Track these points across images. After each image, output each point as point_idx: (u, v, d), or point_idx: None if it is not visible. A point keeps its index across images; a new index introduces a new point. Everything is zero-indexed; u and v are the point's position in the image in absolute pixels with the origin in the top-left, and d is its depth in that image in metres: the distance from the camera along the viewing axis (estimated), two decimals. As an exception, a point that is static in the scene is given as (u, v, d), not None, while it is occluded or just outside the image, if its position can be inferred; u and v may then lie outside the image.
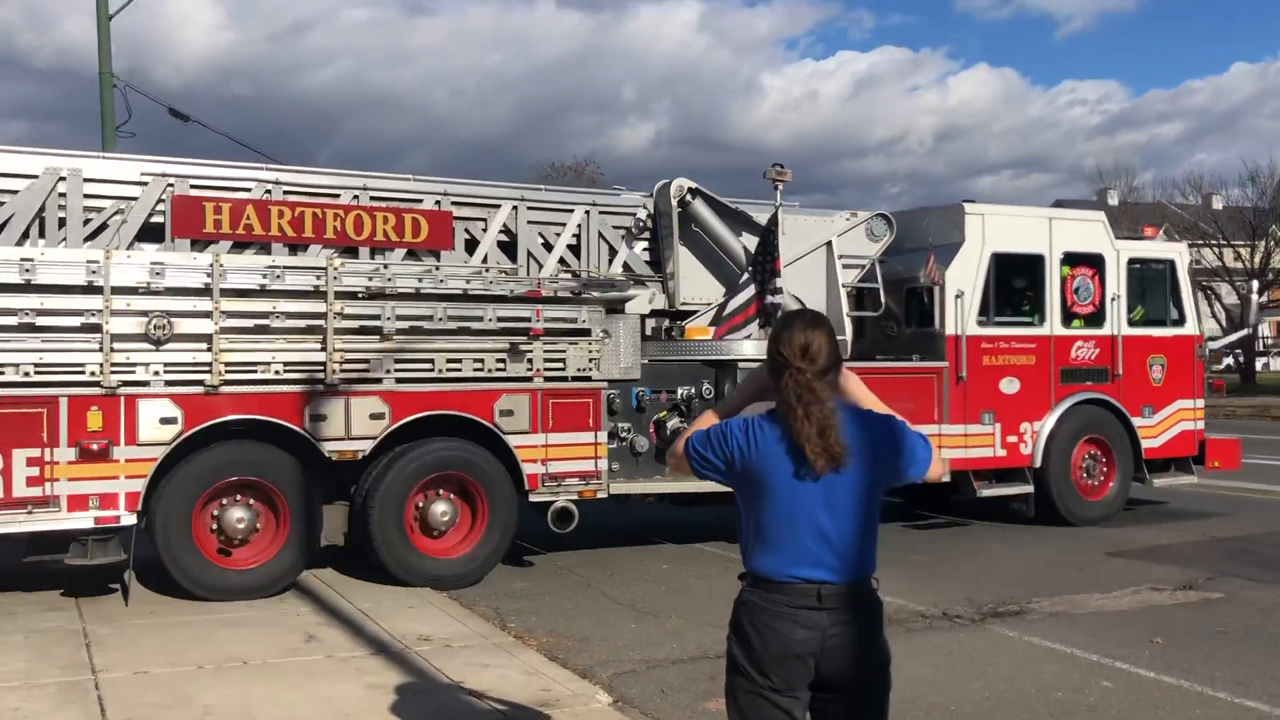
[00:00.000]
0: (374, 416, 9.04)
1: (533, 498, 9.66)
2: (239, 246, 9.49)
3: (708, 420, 3.46)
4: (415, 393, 9.19)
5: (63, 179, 9.08)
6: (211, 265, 8.55)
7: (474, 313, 9.38)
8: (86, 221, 9.21)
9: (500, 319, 9.46)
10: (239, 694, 6.38)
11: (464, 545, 9.51)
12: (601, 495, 9.97)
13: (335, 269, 8.96)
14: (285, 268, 8.90)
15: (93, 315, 8.21)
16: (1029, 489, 11.97)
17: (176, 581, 8.65)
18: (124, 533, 8.42)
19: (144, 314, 8.32)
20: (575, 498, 9.73)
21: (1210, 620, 8.14)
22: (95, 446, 8.17)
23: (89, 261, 8.26)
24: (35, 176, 8.97)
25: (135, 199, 9.33)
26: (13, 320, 8.02)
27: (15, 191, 8.95)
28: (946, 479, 11.16)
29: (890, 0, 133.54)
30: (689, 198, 10.97)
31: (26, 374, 8.03)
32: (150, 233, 9.41)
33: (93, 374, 8.18)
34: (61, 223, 9.14)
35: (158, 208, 9.41)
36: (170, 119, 28.00)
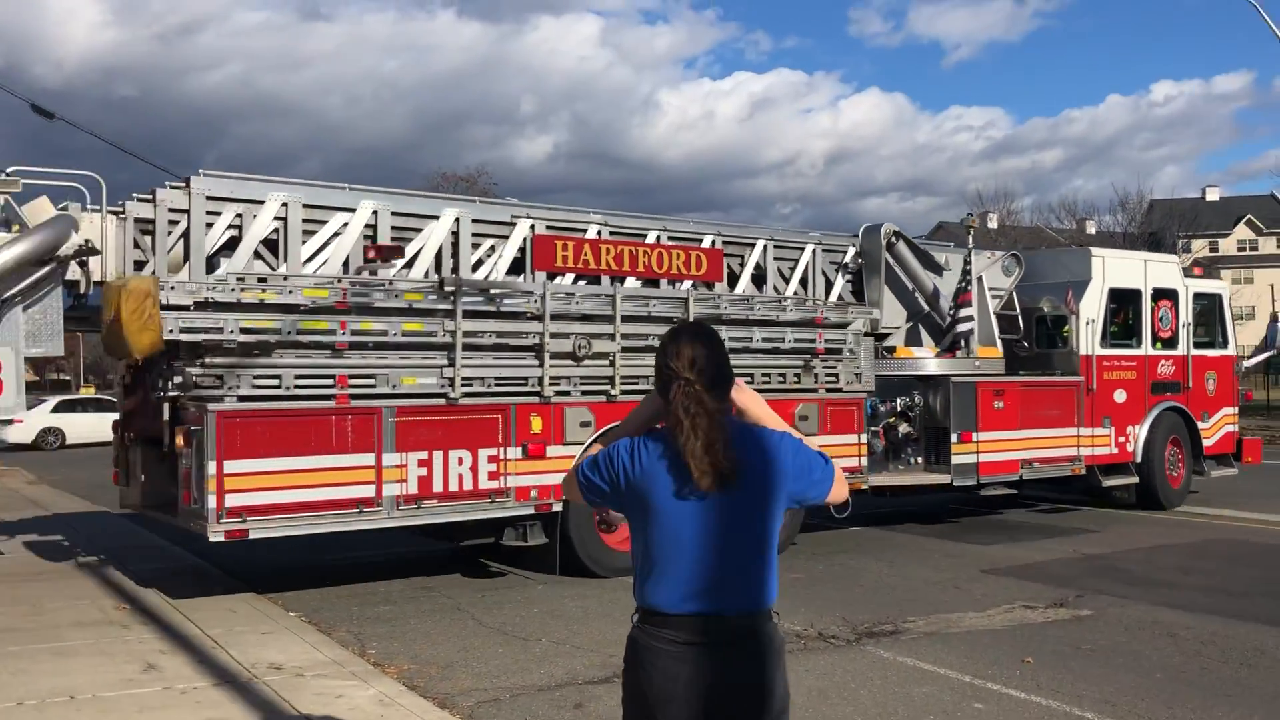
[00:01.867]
0: None
1: None
2: (579, 278, 10.93)
3: (609, 440, 3.22)
4: None
5: (456, 219, 10.45)
6: (613, 296, 10.36)
7: (779, 335, 11.38)
8: (473, 254, 10.54)
9: (796, 340, 11.45)
10: (59, 733, 5.84)
11: None
12: (864, 487, 11.91)
13: (691, 300, 10.85)
14: (656, 298, 10.86)
15: (535, 337, 9.95)
16: (1135, 480, 14.47)
17: (582, 562, 10.16)
18: (547, 519, 10.03)
19: (568, 336, 10.08)
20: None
21: (1079, 638, 8.17)
22: (536, 446, 9.81)
23: (525, 291, 10.05)
24: (437, 218, 10.33)
25: (506, 237, 10.70)
26: (485, 341, 9.77)
27: (419, 229, 10.28)
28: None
29: (787, 23, 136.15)
30: (894, 240, 12.98)
31: (489, 386, 9.75)
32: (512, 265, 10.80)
33: (533, 386, 9.90)
34: (436, 254, 10.37)
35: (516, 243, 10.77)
36: (38, 119, 26.68)
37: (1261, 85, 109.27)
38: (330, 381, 9.02)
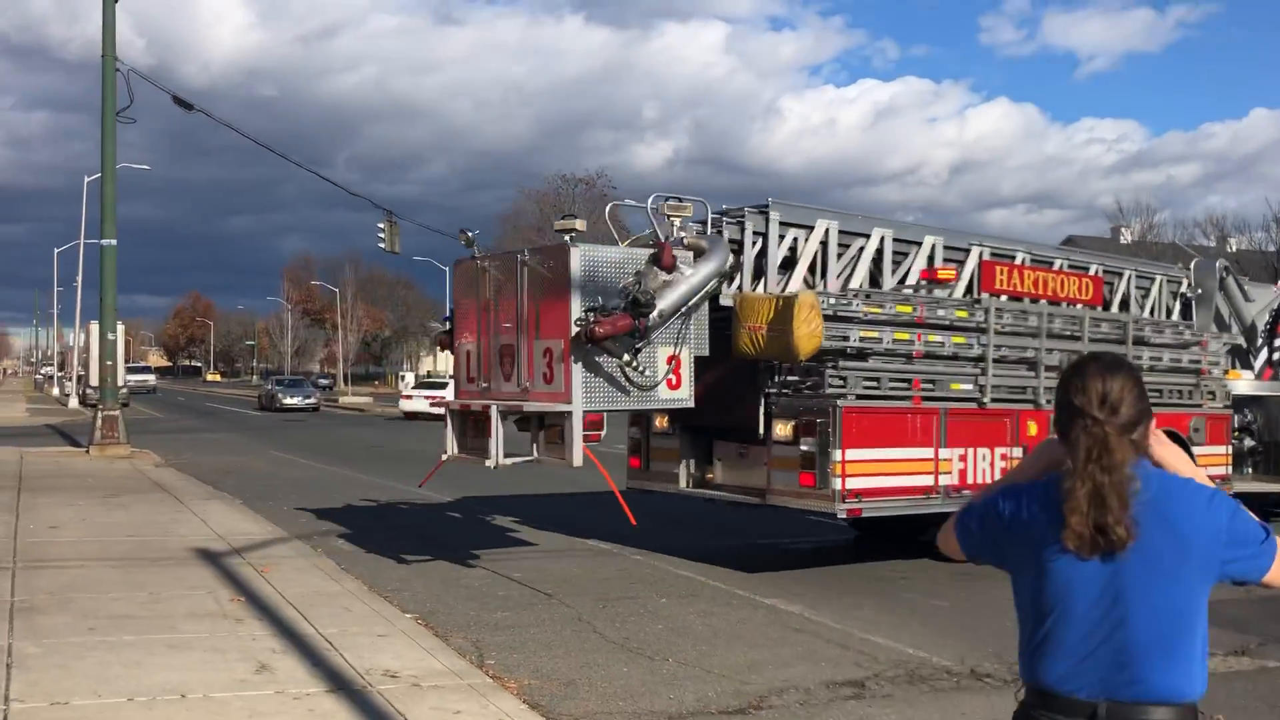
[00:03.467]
0: None
1: None
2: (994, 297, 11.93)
3: (989, 492, 2.73)
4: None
5: (934, 246, 11.61)
6: (1081, 318, 12.02)
7: (1181, 356, 13.00)
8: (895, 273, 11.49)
9: (1190, 361, 13.12)
10: (167, 736, 5.53)
11: None
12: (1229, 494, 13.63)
13: (1129, 323, 12.44)
14: (1105, 320, 12.42)
15: (1033, 352, 11.40)
16: None
17: None
18: None
19: (1051, 351, 11.40)
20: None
21: (1271, 694, 7.27)
22: (1032, 446, 10.75)
23: (1027, 312, 11.71)
24: (867, 236, 11.19)
25: (962, 262, 11.85)
26: (1008, 355, 11.26)
27: (847, 246, 11.15)
28: None
29: (916, 31, 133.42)
30: (1224, 274, 14.69)
31: (1004, 393, 11.15)
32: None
33: (1030, 395, 11.36)
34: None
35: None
36: (183, 116, 27.36)
37: None
38: (907, 385, 10.50)
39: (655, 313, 8.91)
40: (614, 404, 9.38)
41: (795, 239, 10.62)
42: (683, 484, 11.15)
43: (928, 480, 10.39)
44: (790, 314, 9.31)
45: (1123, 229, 63.61)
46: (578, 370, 9.05)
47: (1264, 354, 14.99)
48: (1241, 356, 14.77)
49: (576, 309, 8.99)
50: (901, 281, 11.40)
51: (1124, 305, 13.46)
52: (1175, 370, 12.99)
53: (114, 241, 23.48)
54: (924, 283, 11.33)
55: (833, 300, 9.99)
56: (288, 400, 51.71)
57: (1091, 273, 13.07)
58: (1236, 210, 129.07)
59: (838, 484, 9.70)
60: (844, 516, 10.04)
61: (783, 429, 10.11)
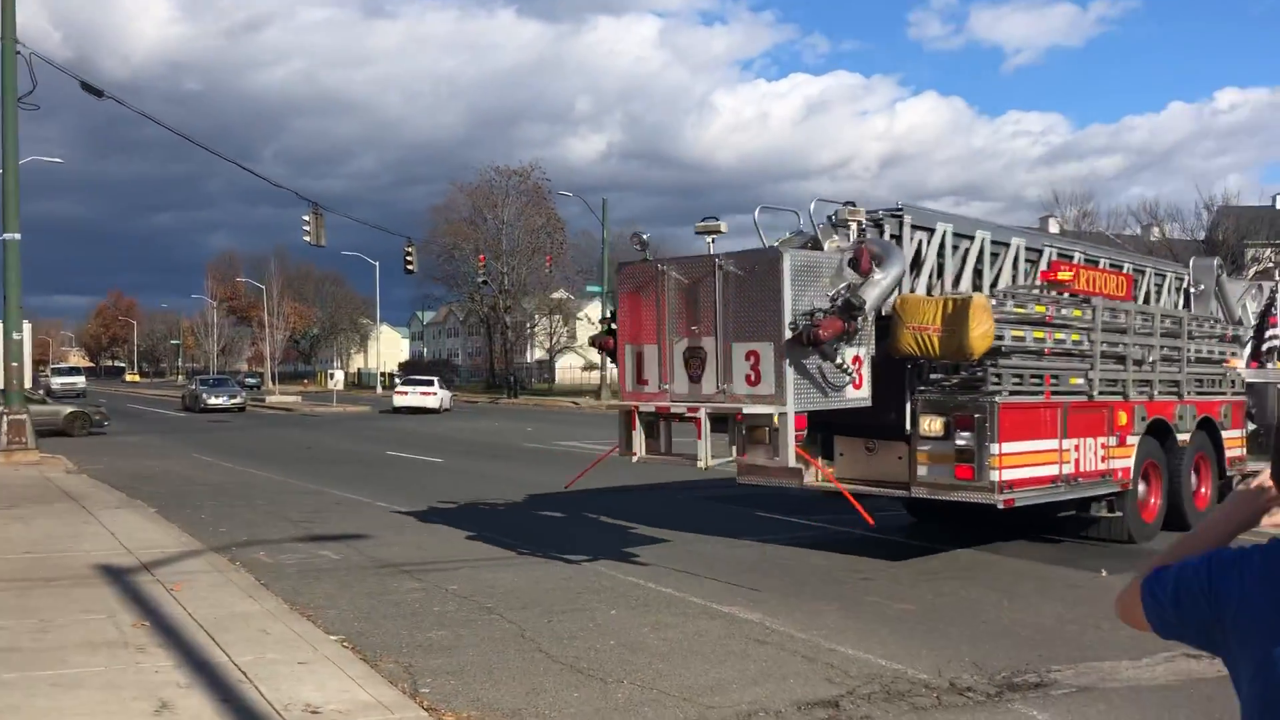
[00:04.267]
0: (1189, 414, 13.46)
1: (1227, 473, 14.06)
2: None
3: (1178, 552, 2.06)
4: (1191, 400, 13.47)
5: (983, 240, 11.76)
6: (1181, 320, 13.47)
7: (1211, 348, 14.08)
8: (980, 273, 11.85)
9: (1220, 353, 14.26)
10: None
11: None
12: (1247, 473, 13.94)
13: (1186, 318, 13.67)
14: (1162, 316, 13.23)
15: (1123, 347, 12.12)
16: None
17: (1129, 532, 12.08)
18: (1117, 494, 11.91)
19: (1135, 346, 12.29)
20: (1238, 478, 14.02)
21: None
22: (1121, 435, 11.95)
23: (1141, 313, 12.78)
24: (971, 238, 11.55)
25: (1035, 262, 12.40)
26: (1109, 351, 11.92)
27: (955, 249, 11.47)
28: None
29: (845, 26, 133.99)
30: (1220, 272, 15.62)
31: (1103, 387, 11.74)
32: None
33: (1120, 388, 12.06)
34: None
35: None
36: (97, 104, 25.91)
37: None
38: (1040, 381, 10.93)
39: (863, 316, 9.40)
40: (814, 404, 9.66)
41: (920, 241, 10.99)
42: (809, 479, 10.91)
43: (1055, 470, 10.95)
44: (965, 315, 9.75)
45: (1052, 218, 64.17)
46: (790, 372, 9.34)
47: (1251, 345, 15.87)
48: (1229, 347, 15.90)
49: (789, 313, 9.28)
50: (994, 283, 11.85)
51: (1146, 299, 14.27)
52: (1209, 361, 13.99)
53: (17, 236, 22.09)
54: (1042, 284, 11.95)
55: (993, 302, 10.42)
56: (212, 400, 50.08)
57: (1125, 270, 13.92)
58: (1168, 198, 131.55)
59: (995, 476, 10.14)
60: (1001, 506, 10.31)
61: (933, 424, 10.47)
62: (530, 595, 9.42)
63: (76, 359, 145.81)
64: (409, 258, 41.87)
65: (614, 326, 10.83)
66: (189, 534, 12.40)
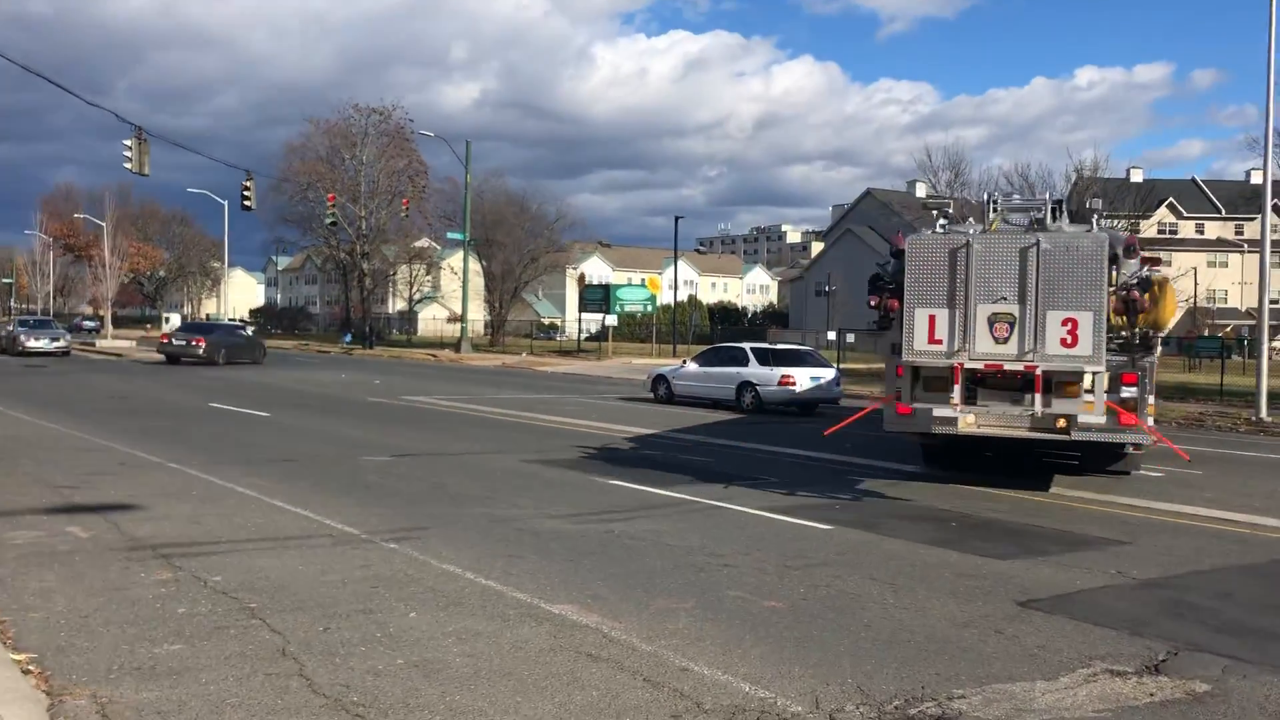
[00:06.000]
0: None
1: None
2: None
3: None
4: None
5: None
6: None
7: None
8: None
9: None
10: None
11: None
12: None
13: None
14: None
15: None
16: None
17: None
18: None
19: None
20: None
21: (1215, 736, 5.46)
22: None
23: None
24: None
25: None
26: None
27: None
28: None
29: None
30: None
31: None
32: None
33: None
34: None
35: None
36: None
37: (1179, 78, 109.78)
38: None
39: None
40: (1103, 365, 11.71)
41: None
42: (963, 426, 12.19)
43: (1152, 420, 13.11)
44: (1164, 293, 12.46)
45: (920, 183, 64.16)
46: (1100, 337, 11.43)
47: None
48: None
49: (1106, 287, 11.43)
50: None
51: None
52: None
53: None
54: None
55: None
56: (31, 343, 45.90)
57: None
58: (1011, 172, 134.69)
59: (1150, 420, 12.73)
60: (1150, 444, 13.17)
61: (1103, 380, 11.99)
62: (310, 590, 7.52)
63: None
64: (246, 193, 38.64)
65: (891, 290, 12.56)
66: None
